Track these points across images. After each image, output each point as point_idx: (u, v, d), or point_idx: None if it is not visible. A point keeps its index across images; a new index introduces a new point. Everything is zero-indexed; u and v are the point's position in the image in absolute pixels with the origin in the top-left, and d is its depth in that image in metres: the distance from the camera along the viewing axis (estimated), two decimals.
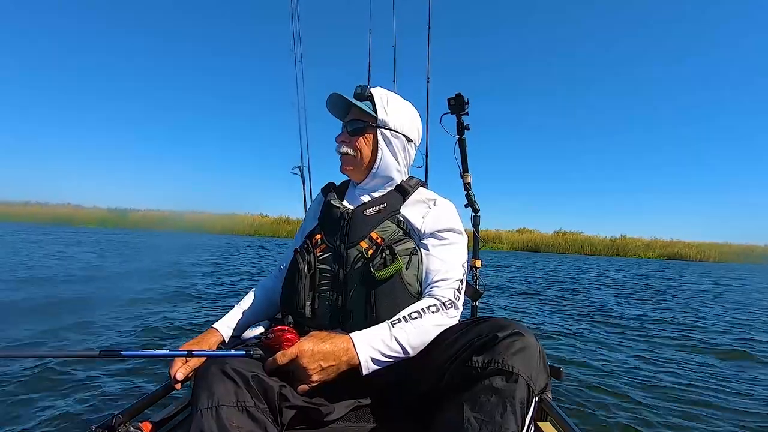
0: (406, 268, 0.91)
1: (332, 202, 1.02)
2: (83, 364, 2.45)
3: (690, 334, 4.18)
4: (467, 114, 1.68)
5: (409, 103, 1.09)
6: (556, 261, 17.21)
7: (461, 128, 1.70)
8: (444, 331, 0.85)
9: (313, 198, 1.21)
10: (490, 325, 0.76)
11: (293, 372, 0.80)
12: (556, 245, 27.26)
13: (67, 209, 35.13)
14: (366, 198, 1.04)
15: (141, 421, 0.81)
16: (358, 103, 1.00)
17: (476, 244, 1.75)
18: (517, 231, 30.97)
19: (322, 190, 1.13)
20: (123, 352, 0.77)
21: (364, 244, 0.93)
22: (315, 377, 0.79)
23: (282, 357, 0.78)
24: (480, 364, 0.71)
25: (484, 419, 0.66)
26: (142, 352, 0.82)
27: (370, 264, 0.89)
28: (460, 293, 0.92)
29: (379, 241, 0.93)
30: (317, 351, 0.78)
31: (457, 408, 0.69)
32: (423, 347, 0.84)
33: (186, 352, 0.83)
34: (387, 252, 0.90)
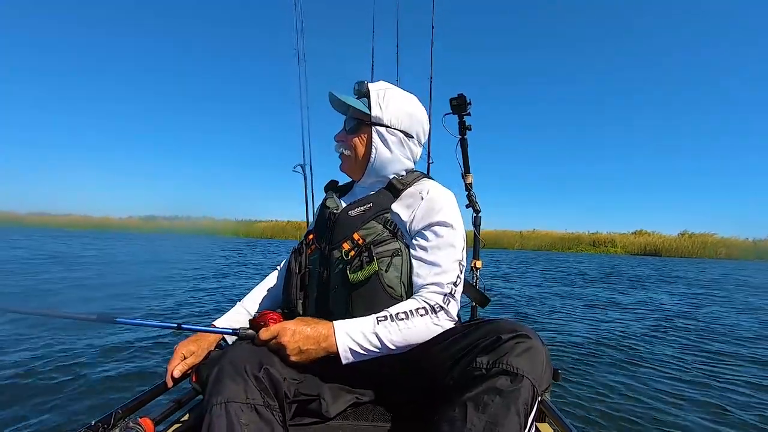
0: (386, 270, 0.89)
1: (326, 202, 1.04)
2: (84, 360, 2.44)
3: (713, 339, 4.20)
4: (469, 114, 1.71)
5: (412, 96, 1.06)
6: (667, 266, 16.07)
7: (463, 128, 1.74)
8: (446, 330, 0.85)
9: (315, 197, 1.23)
10: (496, 326, 0.76)
11: (275, 351, 0.81)
12: (681, 248, 25.46)
13: (207, 222, 40.59)
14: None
15: (141, 417, 0.82)
16: (352, 102, 1.00)
17: (477, 244, 1.79)
18: (633, 233, 29.45)
19: (324, 188, 1.13)
20: (118, 319, 0.81)
21: (346, 246, 0.92)
22: (293, 357, 0.80)
23: (265, 332, 0.80)
24: (485, 365, 0.71)
25: (488, 420, 0.66)
26: (134, 321, 0.86)
27: (348, 266, 0.89)
28: (452, 296, 0.89)
29: (360, 242, 0.92)
30: (298, 331, 0.80)
31: (460, 407, 0.69)
32: (408, 347, 0.84)
33: (176, 325, 0.84)
34: (365, 254, 0.89)
